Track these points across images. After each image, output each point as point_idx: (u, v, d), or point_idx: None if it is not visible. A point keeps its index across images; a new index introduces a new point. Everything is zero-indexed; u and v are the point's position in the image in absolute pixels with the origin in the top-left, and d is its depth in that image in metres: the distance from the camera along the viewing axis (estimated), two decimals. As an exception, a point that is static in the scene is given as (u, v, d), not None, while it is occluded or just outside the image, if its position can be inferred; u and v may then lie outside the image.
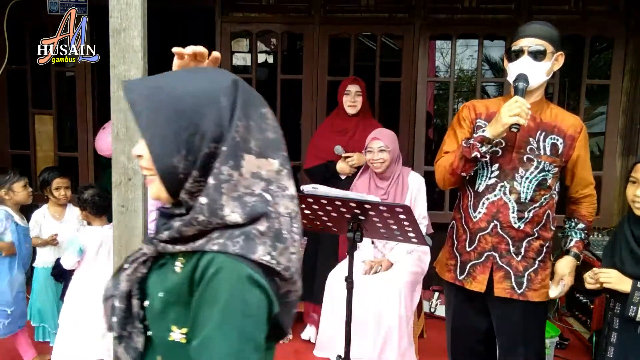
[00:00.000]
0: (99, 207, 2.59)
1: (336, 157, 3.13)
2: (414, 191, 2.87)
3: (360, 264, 2.84)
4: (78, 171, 3.78)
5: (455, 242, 1.99)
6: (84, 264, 2.57)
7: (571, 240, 1.98)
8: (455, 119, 2.01)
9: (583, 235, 1.99)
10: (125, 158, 1.63)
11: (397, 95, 3.72)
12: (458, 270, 1.95)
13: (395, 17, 3.65)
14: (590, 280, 1.75)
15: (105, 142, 3.22)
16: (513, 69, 1.82)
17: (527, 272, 1.87)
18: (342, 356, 1.93)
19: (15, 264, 2.64)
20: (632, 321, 1.65)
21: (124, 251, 1.68)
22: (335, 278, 2.71)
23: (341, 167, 3.11)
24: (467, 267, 1.92)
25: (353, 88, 3.12)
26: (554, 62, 1.83)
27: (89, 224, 2.69)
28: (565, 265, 1.95)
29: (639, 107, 3.53)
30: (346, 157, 3.07)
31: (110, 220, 2.61)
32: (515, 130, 1.72)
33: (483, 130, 1.79)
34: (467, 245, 1.93)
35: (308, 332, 3.12)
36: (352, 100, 3.11)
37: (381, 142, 2.76)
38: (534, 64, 1.78)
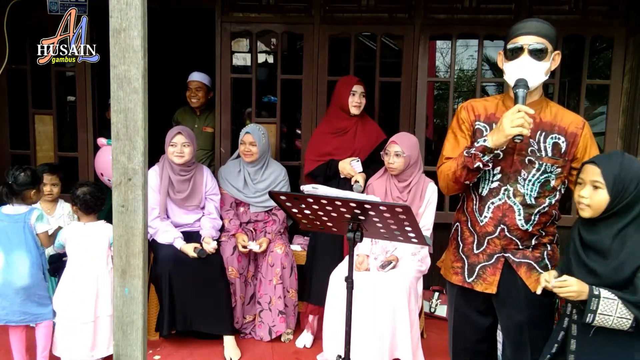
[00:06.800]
0: (88, 206, 2.64)
1: (337, 157, 3.17)
2: (425, 201, 2.91)
3: (371, 262, 2.86)
4: (78, 171, 3.79)
5: (461, 245, 1.96)
6: (69, 260, 2.63)
7: None
8: (454, 122, 1.97)
9: None
10: (126, 158, 1.63)
11: (397, 95, 3.72)
12: (466, 272, 1.93)
13: (395, 17, 3.65)
14: (549, 285, 1.67)
15: (103, 160, 3.20)
16: (512, 69, 1.78)
17: (545, 253, 1.88)
18: (342, 356, 1.93)
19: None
20: (589, 327, 1.62)
21: (124, 251, 1.68)
22: (338, 278, 2.72)
23: (342, 167, 3.15)
24: (477, 269, 1.90)
25: (359, 89, 3.17)
26: (552, 61, 1.80)
27: (79, 219, 2.74)
28: None
29: (639, 107, 3.53)
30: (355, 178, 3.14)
31: (98, 219, 2.68)
32: (518, 141, 1.69)
33: (484, 140, 1.76)
34: (474, 248, 1.91)
35: (303, 340, 3.11)
36: (358, 101, 3.17)
37: (398, 147, 2.84)
38: (534, 64, 1.74)
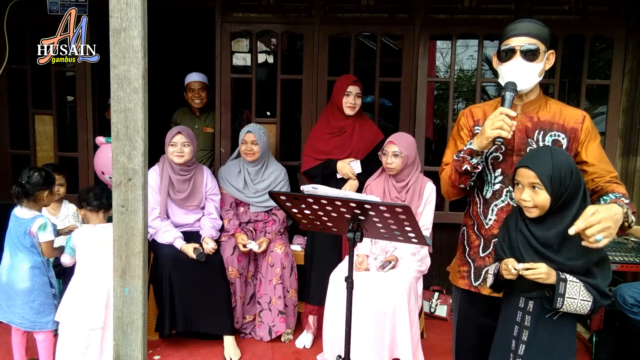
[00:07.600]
0: (97, 199, 2.57)
1: (335, 157, 3.17)
2: (424, 200, 2.91)
3: (371, 262, 2.86)
4: (78, 171, 3.79)
5: (467, 249, 1.95)
6: (78, 263, 2.58)
7: (607, 200, 1.67)
8: (454, 128, 1.98)
9: (618, 194, 1.68)
10: (126, 158, 1.63)
11: (397, 95, 3.72)
12: (472, 276, 1.92)
13: (395, 17, 3.65)
14: (511, 273, 1.64)
15: (103, 158, 3.18)
16: (505, 71, 1.78)
17: None
18: (342, 356, 1.93)
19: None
20: (544, 317, 1.66)
21: (124, 251, 1.68)
22: (338, 278, 2.72)
23: (340, 167, 3.15)
24: (483, 273, 1.89)
25: (354, 90, 3.14)
26: (546, 61, 1.79)
27: (86, 222, 2.69)
28: (604, 206, 1.53)
29: (639, 107, 3.54)
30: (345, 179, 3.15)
31: (107, 220, 2.62)
32: (498, 143, 1.69)
33: (471, 143, 1.77)
34: (480, 251, 1.90)
35: (303, 340, 3.12)
36: (352, 102, 3.14)
37: (396, 147, 2.84)
38: (527, 65, 1.74)
